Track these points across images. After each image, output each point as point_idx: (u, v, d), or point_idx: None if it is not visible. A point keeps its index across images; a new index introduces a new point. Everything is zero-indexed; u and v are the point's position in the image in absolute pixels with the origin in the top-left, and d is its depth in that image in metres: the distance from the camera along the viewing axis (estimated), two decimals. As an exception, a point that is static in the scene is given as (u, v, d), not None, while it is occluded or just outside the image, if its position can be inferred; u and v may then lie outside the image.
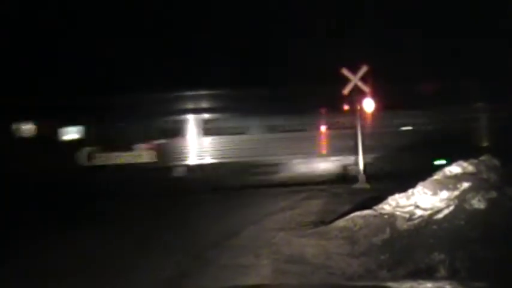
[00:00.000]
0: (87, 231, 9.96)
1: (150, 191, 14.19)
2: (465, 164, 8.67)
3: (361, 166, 14.30)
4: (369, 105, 14.54)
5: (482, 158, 8.91)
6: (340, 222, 8.36)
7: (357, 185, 13.85)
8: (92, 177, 15.66)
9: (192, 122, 17.47)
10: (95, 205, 12.47)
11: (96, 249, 8.66)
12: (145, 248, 8.60)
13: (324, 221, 9.13)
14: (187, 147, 17.27)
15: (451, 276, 5.76)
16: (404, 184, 8.68)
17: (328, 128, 17.36)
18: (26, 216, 11.13)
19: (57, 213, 11.71)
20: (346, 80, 14.24)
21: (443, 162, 10.29)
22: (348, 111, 15.27)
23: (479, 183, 7.99)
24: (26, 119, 16.77)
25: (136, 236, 9.45)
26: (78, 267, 7.55)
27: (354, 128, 14.52)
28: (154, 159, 16.63)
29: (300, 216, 10.05)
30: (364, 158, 14.37)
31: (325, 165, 16.64)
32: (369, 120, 15.46)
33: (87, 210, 12.08)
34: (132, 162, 16.65)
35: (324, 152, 17.04)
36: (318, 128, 17.47)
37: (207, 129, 17.30)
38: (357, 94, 14.31)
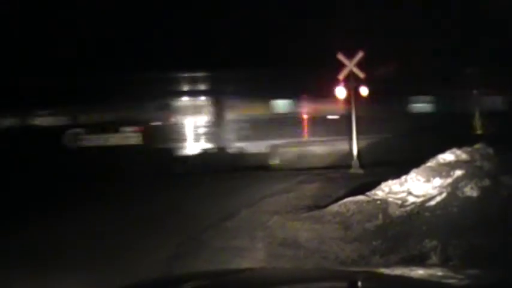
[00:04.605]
0: (85, 212, 10.00)
1: (142, 173, 14.23)
2: (459, 152, 8.73)
3: (355, 152, 14.36)
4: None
5: (477, 146, 8.97)
6: (334, 207, 8.41)
7: (351, 170, 13.93)
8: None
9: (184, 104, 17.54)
10: (90, 187, 12.52)
11: (93, 229, 8.70)
12: (140, 230, 8.63)
13: (318, 205, 9.19)
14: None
15: (443, 263, 5.82)
16: (398, 170, 8.75)
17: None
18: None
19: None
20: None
21: None
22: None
23: (472, 171, 8.05)
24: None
25: (131, 218, 9.47)
26: (77, 246, 7.62)
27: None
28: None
29: (295, 199, 10.09)
30: (358, 144, 14.44)
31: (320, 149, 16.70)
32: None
33: (83, 192, 12.11)
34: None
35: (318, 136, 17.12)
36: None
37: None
38: (353, 80, 14.33)
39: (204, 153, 16.97)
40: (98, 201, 11.05)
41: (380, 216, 7.66)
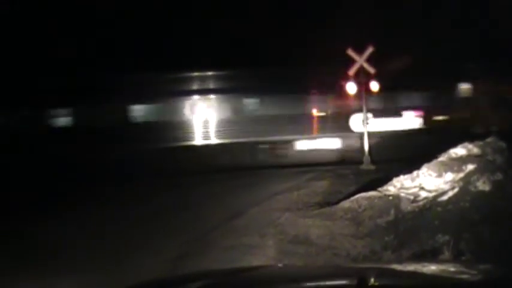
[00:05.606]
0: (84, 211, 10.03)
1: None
2: (470, 146, 8.67)
3: (366, 148, 14.29)
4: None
5: (488, 140, 8.90)
6: (345, 203, 8.37)
7: (362, 166, 13.86)
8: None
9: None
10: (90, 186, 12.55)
11: (99, 227, 8.73)
12: (149, 228, 8.61)
13: (330, 201, 9.15)
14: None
15: (455, 258, 5.77)
16: (409, 166, 8.70)
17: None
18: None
19: None
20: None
21: None
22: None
23: (484, 165, 7.98)
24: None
25: (140, 217, 9.47)
26: (79, 246, 7.65)
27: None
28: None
29: (305, 196, 10.06)
30: (369, 140, 14.37)
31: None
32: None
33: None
34: None
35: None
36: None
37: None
38: (363, 75, 14.25)
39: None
40: (99, 201, 11.04)
41: (392, 211, 7.62)
